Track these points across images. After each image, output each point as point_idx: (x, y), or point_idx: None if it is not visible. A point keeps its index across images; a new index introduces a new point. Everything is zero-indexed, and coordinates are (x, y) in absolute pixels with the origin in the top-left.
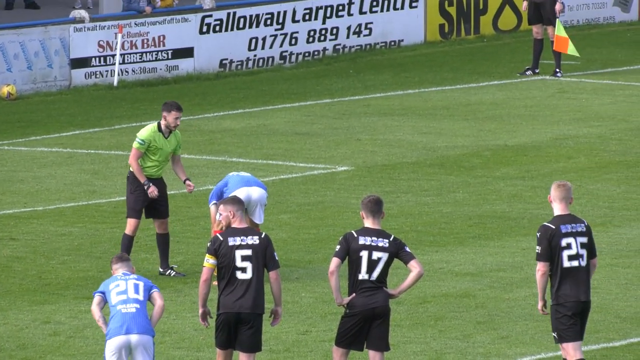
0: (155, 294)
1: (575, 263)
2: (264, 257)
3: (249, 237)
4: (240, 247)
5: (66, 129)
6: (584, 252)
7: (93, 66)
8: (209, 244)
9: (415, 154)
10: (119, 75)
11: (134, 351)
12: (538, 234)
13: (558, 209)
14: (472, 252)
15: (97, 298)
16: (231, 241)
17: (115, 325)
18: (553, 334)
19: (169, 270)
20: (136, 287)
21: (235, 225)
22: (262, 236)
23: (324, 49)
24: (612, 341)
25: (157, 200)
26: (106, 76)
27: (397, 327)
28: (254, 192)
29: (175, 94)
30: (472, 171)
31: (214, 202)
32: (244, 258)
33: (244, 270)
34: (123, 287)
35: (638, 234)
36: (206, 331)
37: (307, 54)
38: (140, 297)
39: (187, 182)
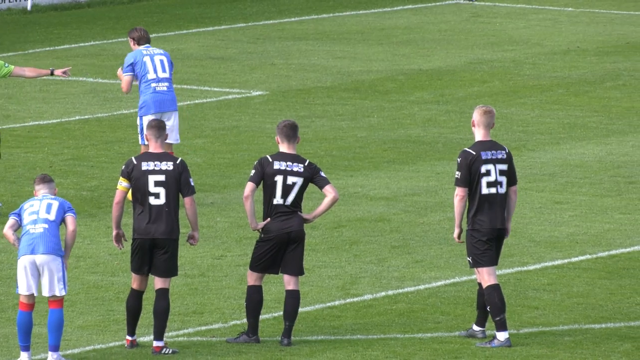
0: (69, 219)
1: (493, 190)
2: (178, 183)
3: (163, 163)
4: (153, 172)
5: None
6: (502, 179)
7: None
8: (122, 167)
9: (330, 78)
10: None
11: (42, 271)
12: (458, 160)
13: (480, 135)
14: (386, 177)
15: (10, 221)
16: (144, 166)
17: (22, 245)
18: (468, 259)
19: None
20: (49, 206)
21: (151, 149)
22: (177, 162)
23: None
24: (526, 265)
25: None
26: (19, 0)
27: (312, 251)
28: (168, 118)
29: (89, 18)
30: (386, 95)
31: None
32: (157, 183)
33: (157, 195)
34: (36, 208)
35: (552, 158)
36: (121, 255)
37: None
38: (52, 217)
39: (55, 71)
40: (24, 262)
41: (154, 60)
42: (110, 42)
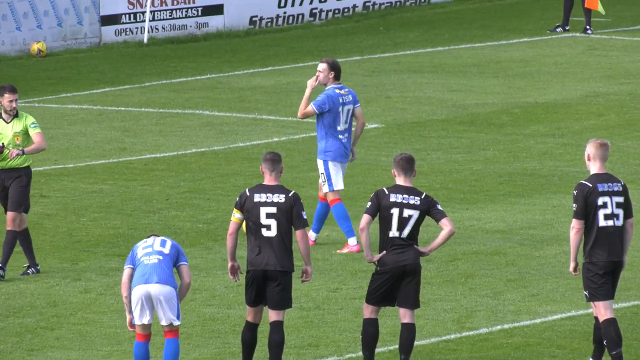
0: (184, 268)
1: (610, 222)
2: (289, 215)
3: (275, 195)
4: (265, 204)
5: (96, 86)
6: (619, 211)
7: (123, 23)
8: (237, 199)
9: (445, 111)
10: (149, 32)
11: (156, 302)
12: (575, 192)
13: (595, 168)
14: (502, 210)
15: (126, 271)
16: (257, 197)
17: (136, 276)
18: (584, 292)
19: (31, 269)
20: (163, 242)
21: (265, 182)
22: (290, 194)
23: (354, 6)
24: None
25: (9, 190)
26: (136, 33)
27: (427, 284)
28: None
29: (205, 51)
30: (502, 128)
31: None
32: (268, 215)
33: (268, 227)
34: (150, 243)
35: None
36: (237, 288)
37: (337, 11)
38: (166, 251)
39: (14, 151)
40: (138, 292)
41: (343, 110)
42: (226, 75)
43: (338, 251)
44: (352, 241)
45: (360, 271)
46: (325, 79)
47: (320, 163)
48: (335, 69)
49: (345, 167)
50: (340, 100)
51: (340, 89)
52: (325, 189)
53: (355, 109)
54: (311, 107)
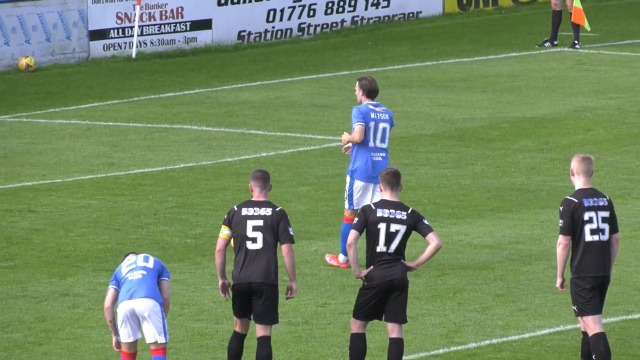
0: (164, 285)
1: (596, 237)
2: (275, 229)
3: (262, 209)
4: (252, 217)
5: (85, 101)
6: (605, 226)
7: (111, 38)
8: (225, 216)
9: (433, 126)
10: (137, 47)
11: (140, 318)
12: (561, 208)
13: (580, 183)
14: (490, 225)
15: (110, 291)
16: (244, 211)
17: (122, 292)
18: (573, 307)
19: None
20: (146, 258)
21: (254, 198)
22: (277, 209)
23: (342, 21)
24: (631, 313)
25: None
26: (124, 48)
27: (415, 299)
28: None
29: (193, 66)
30: (490, 143)
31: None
32: (255, 228)
33: (254, 240)
34: (132, 260)
35: None
36: (225, 303)
37: (325, 26)
38: (150, 265)
39: None
40: (123, 309)
41: (377, 127)
42: (214, 89)
43: (327, 258)
44: (342, 258)
45: (348, 286)
46: (358, 97)
47: (347, 179)
48: (364, 88)
49: (377, 189)
50: (372, 116)
51: (375, 106)
52: (345, 204)
53: (390, 129)
54: (355, 127)
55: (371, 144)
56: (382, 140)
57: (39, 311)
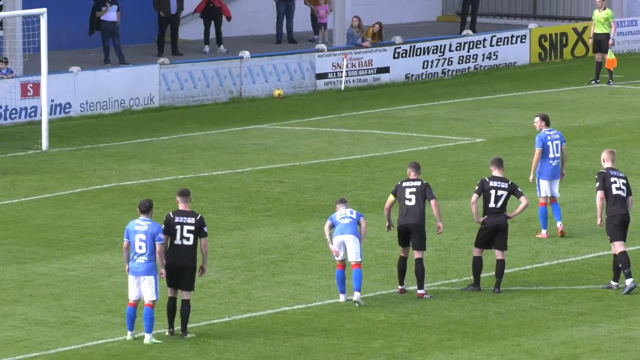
0: (362, 224)
1: (619, 192)
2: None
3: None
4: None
5: (312, 115)
6: (624, 187)
7: (329, 77)
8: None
9: (523, 131)
10: (345, 83)
11: (346, 243)
12: (597, 176)
13: (607, 165)
14: (562, 193)
15: (328, 223)
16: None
17: (336, 229)
18: (607, 237)
19: None
20: (351, 212)
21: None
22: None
23: (468, 68)
24: None
25: None
26: (337, 84)
27: (512, 236)
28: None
29: (377, 95)
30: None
31: None
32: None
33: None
34: (343, 212)
35: None
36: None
37: (458, 71)
38: (353, 216)
39: None
40: (337, 241)
41: (552, 144)
42: (389, 109)
43: (537, 235)
44: (543, 232)
45: (472, 228)
46: (539, 126)
47: (536, 179)
48: (545, 119)
49: (556, 182)
50: (549, 138)
51: (549, 131)
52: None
53: (562, 145)
54: (537, 149)
55: (550, 154)
56: (555, 151)
57: (281, 242)
